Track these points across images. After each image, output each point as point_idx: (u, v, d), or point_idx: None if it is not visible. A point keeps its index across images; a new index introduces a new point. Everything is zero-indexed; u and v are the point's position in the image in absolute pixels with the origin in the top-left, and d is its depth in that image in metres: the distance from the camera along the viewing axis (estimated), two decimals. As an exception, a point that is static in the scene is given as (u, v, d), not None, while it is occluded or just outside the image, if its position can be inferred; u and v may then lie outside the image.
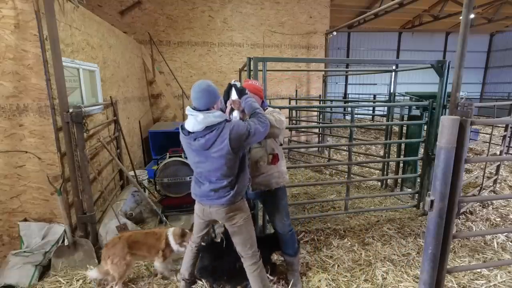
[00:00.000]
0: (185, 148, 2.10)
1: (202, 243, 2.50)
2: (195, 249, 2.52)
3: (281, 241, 2.68)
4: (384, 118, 10.55)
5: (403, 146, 5.40)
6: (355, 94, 16.96)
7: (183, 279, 2.57)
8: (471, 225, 3.84)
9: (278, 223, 2.60)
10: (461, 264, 3.02)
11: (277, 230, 2.64)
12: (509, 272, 2.90)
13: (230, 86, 2.18)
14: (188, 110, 1.98)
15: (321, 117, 8.61)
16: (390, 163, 5.82)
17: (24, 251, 2.83)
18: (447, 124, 1.44)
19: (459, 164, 1.51)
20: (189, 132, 2.00)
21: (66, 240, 3.00)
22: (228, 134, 1.90)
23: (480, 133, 8.79)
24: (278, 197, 2.56)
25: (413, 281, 2.77)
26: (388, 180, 5.35)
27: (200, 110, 1.96)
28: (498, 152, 6.35)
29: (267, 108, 2.52)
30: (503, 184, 5.34)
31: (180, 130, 2.07)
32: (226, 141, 1.89)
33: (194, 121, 1.93)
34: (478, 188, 4.60)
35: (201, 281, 2.69)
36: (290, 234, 2.63)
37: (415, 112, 4.95)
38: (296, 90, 8.68)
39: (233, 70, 8.64)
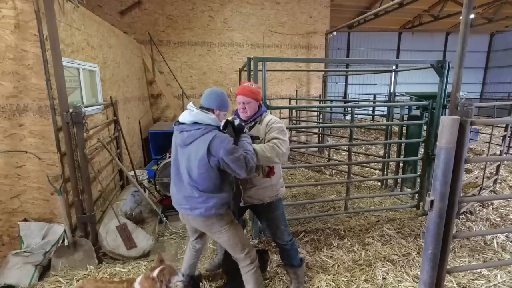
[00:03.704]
0: (172, 142, 2.10)
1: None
2: (192, 251, 2.47)
3: (282, 252, 2.56)
4: (384, 118, 10.55)
5: (403, 146, 5.40)
6: (355, 94, 16.96)
7: (181, 281, 2.55)
8: (471, 225, 3.84)
9: (277, 233, 2.47)
10: (461, 264, 3.02)
11: (276, 240, 2.52)
12: (509, 272, 2.90)
13: (227, 123, 2.11)
14: (189, 105, 2.02)
15: (321, 117, 8.61)
16: (390, 163, 5.82)
17: (24, 251, 2.83)
18: (447, 124, 1.44)
19: (459, 164, 1.51)
20: (179, 123, 2.02)
21: (66, 240, 3.00)
22: (210, 139, 1.86)
23: (480, 133, 8.79)
24: (273, 209, 2.42)
25: (413, 281, 2.77)
26: (388, 180, 5.36)
27: (201, 108, 2.01)
28: (498, 152, 6.35)
29: (266, 113, 2.38)
30: (503, 184, 5.34)
31: (174, 124, 2.09)
32: (206, 144, 1.85)
33: (187, 114, 1.97)
34: (478, 188, 4.60)
35: (202, 282, 2.70)
36: (292, 243, 2.51)
37: (415, 112, 4.96)
38: (296, 90, 8.69)
39: (233, 70, 8.64)
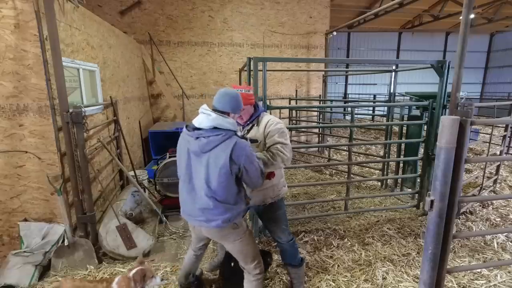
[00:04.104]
0: (180, 148, 1.97)
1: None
2: (193, 257, 2.43)
3: (282, 251, 2.57)
4: (384, 118, 10.55)
5: (403, 146, 5.41)
6: (355, 94, 16.96)
7: (179, 284, 2.53)
8: (471, 225, 3.84)
9: (277, 233, 2.46)
10: (461, 264, 3.02)
11: (276, 240, 2.51)
12: (509, 272, 2.90)
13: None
14: (202, 108, 1.89)
15: (321, 117, 8.61)
16: (390, 163, 5.82)
17: (24, 251, 2.83)
18: (447, 124, 1.44)
19: (459, 164, 1.51)
20: (194, 129, 1.87)
21: (66, 240, 3.00)
22: (232, 145, 1.77)
23: (480, 133, 8.79)
24: (275, 208, 2.42)
25: (413, 281, 2.77)
26: (388, 180, 5.36)
27: (215, 110, 1.88)
28: (498, 152, 6.35)
29: (264, 113, 2.32)
30: (503, 184, 5.34)
31: (184, 128, 1.96)
32: (228, 151, 1.76)
33: (204, 118, 1.83)
34: (478, 188, 4.60)
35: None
36: (292, 243, 2.50)
37: (415, 112, 4.96)
38: (296, 90, 8.69)
39: (233, 70, 8.64)
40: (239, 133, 2.00)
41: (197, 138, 1.83)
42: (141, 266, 2.19)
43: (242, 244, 2.05)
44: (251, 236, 2.13)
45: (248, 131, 2.28)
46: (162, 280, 2.28)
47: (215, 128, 1.81)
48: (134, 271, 2.12)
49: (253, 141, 2.19)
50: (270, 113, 2.55)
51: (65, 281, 2.13)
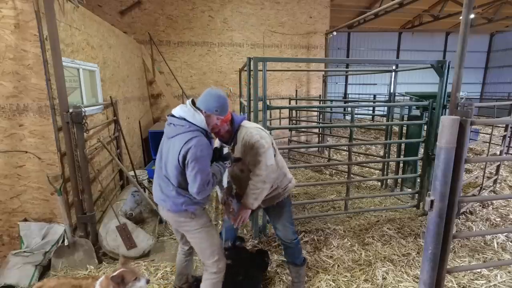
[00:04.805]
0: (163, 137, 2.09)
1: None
2: (181, 254, 2.41)
3: (286, 250, 2.58)
4: (384, 118, 10.55)
5: (403, 146, 5.40)
6: (355, 94, 16.96)
7: (174, 286, 2.51)
8: (471, 225, 3.84)
9: (282, 230, 2.48)
10: (461, 264, 3.02)
11: (280, 237, 2.53)
12: (509, 272, 2.90)
13: (215, 150, 2.10)
14: (187, 100, 2.02)
15: (321, 117, 8.61)
16: (390, 163, 5.82)
17: (24, 251, 2.83)
18: (447, 124, 1.44)
19: (459, 164, 1.51)
20: (171, 116, 2.01)
21: (66, 240, 3.00)
22: (188, 138, 1.82)
23: (480, 133, 8.79)
24: (280, 206, 2.45)
25: (413, 281, 2.77)
26: (388, 180, 5.36)
27: (194, 106, 1.99)
28: (498, 152, 6.34)
29: (242, 126, 2.17)
30: (503, 184, 5.34)
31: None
32: (182, 142, 1.82)
33: (179, 108, 1.97)
34: (478, 188, 4.60)
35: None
36: (297, 242, 2.52)
37: (415, 112, 4.96)
38: (296, 90, 8.69)
39: (233, 70, 8.64)
40: (225, 149, 2.10)
41: (169, 124, 1.99)
42: (122, 268, 2.09)
43: (199, 236, 2.06)
44: (211, 231, 2.10)
45: (233, 150, 2.25)
46: (148, 282, 2.16)
47: (184, 119, 1.91)
48: (113, 274, 2.04)
49: (237, 159, 2.20)
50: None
51: (48, 280, 2.10)
